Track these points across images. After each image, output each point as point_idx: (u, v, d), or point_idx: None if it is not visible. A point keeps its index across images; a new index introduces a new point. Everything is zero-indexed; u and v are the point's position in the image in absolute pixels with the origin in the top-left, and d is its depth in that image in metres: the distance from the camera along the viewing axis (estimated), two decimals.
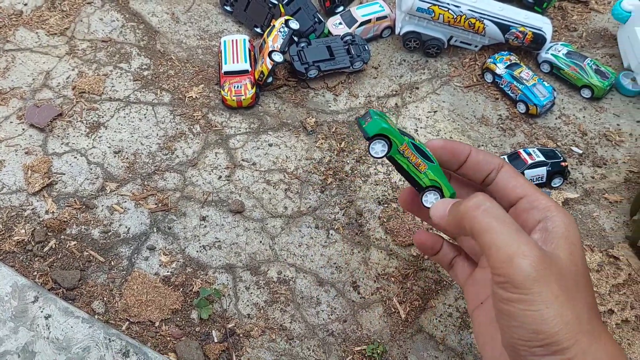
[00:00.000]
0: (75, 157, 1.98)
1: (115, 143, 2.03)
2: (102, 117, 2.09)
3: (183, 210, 1.89)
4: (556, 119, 2.24)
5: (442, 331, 1.77)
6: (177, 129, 2.08)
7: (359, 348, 1.68)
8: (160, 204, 1.88)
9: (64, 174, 1.94)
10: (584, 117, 2.26)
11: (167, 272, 1.76)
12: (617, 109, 2.28)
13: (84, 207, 1.87)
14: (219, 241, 1.85)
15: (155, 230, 1.83)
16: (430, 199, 0.79)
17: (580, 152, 2.14)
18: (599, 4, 2.61)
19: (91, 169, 1.96)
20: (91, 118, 2.09)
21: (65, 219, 1.83)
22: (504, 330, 0.56)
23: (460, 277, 0.83)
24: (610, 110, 2.27)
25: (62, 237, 1.80)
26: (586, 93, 2.28)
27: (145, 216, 1.84)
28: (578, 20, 2.55)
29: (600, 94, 2.24)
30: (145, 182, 1.92)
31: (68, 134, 2.04)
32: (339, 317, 1.76)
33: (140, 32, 2.35)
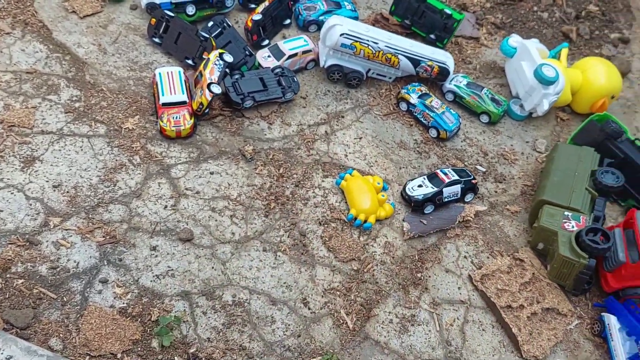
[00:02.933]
0: (12, 193, 1.94)
1: (53, 177, 2.01)
2: (36, 150, 2.06)
3: (132, 242, 1.93)
4: (462, 141, 2.56)
5: (385, 336, 1.97)
6: (116, 160, 2.10)
7: None
8: (108, 237, 1.90)
9: (2, 211, 1.89)
10: (484, 139, 2.60)
11: (123, 303, 1.79)
12: (510, 131, 2.66)
13: (28, 243, 1.84)
14: (172, 269, 1.91)
15: (105, 263, 1.85)
16: None
17: (484, 170, 2.47)
18: (488, 40, 3.01)
19: (31, 205, 1.93)
20: (24, 152, 2.05)
21: (9, 257, 1.79)
22: None
23: None
24: (505, 133, 2.64)
25: (8, 276, 1.76)
26: (484, 118, 2.63)
27: (93, 249, 1.86)
28: (472, 54, 2.93)
29: (496, 119, 2.60)
30: (90, 215, 1.93)
31: (1, 169, 1.98)
32: (293, 332, 1.89)
33: (67, 63, 2.33)
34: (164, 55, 2.41)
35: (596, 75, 2.66)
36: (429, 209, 2.22)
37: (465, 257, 2.21)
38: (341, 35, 2.31)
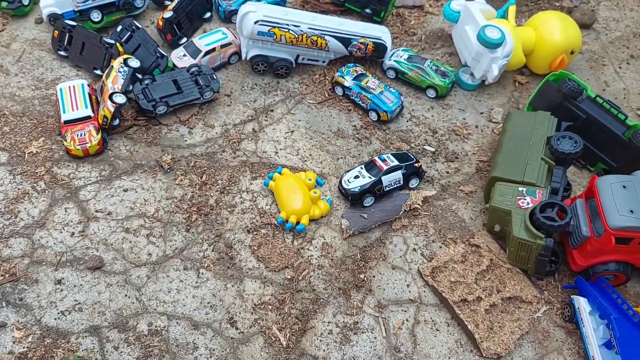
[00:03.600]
0: None
1: None
2: None
3: (34, 277, 1.74)
4: (407, 121, 2.33)
5: (324, 350, 1.76)
6: (18, 189, 1.92)
7: None
8: (7, 275, 1.72)
9: None
10: (432, 116, 2.37)
11: (23, 348, 1.61)
12: (462, 104, 2.42)
13: None
14: (79, 303, 1.72)
15: (4, 305, 1.67)
16: None
17: (433, 150, 2.24)
18: (433, 7, 2.77)
19: None
20: None
21: None
22: None
23: None
24: (456, 106, 2.40)
25: None
26: (431, 93, 2.40)
27: None
28: (416, 24, 2.69)
29: (444, 92, 2.36)
30: None
31: None
32: (218, 357, 1.69)
33: None
34: (72, 68, 2.23)
35: (550, 31, 2.40)
36: (368, 201, 2.01)
37: (414, 249, 1.99)
38: (256, 22, 2.10)
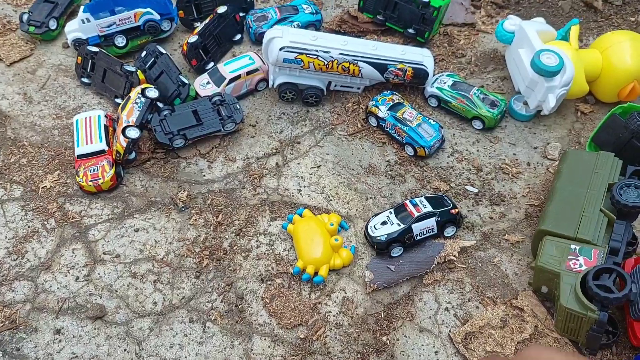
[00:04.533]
0: None
1: None
2: None
3: (34, 325, 1.65)
4: (448, 157, 2.09)
5: None
6: (28, 227, 1.85)
7: None
8: (7, 321, 1.63)
9: None
10: (477, 150, 2.11)
11: None
12: (513, 136, 2.14)
13: None
14: (76, 357, 1.61)
15: (0, 355, 1.59)
16: None
17: (476, 190, 1.99)
18: (487, 24, 2.49)
19: None
20: None
21: None
22: None
23: None
24: (505, 140, 2.13)
25: None
26: (478, 124, 2.14)
27: None
28: (465, 44, 2.43)
29: (492, 123, 2.10)
30: None
31: None
32: None
33: None
34: (95, 96, 2.14)
35: (620, 55, 2.08)
36: (396, 251, 1.79)
37: (446, 309, 1.76)
38: (281, 49, 1.93)
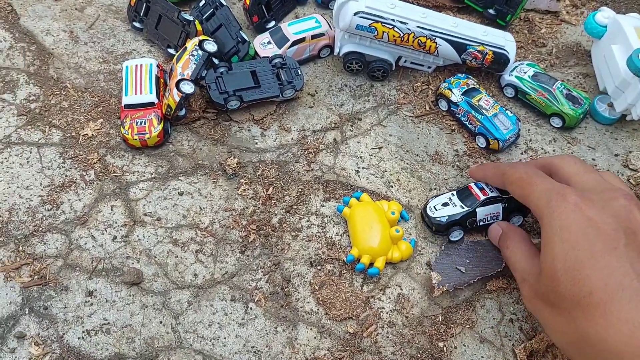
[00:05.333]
0: None
1: None
2: None
3: (65, 284, 1.52)
4: (521, 153, 1.91)
5: None
6: (66, 176, 1.71)
7: None
8: (36, 276, 1.50)
9: None
10: (553, 150, 1.93)
11: None
12: (592, 140, 1.96)
13: None
14: (108, 323, 1.48)
15: (27, 312, 1.46)
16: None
17: None
18: (571, 14, 2.29)
19: None
20: None
21: None
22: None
23: None
24: (585, 142, 1.95)
25: None
26: (556, 122, 1.95)
27: (16, 293, 1.47)
28: (547, 34, 2.23)
29: (573, 123, 1.92)
30: (21, 248, 1.54)
31: None
32: None
33: (32, 55, 1.96)
34: (146, 43, 1.98)
35: None
36: (456, 235, 1.61)
37: (511, 320, 1.60)
38: (356, 14, 1.74)
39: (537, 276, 0.92)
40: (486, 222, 1.59)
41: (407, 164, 1.84)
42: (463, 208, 1.54)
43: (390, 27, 1.81)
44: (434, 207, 1.56)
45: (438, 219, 1.51)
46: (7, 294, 1.45)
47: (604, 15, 1.97)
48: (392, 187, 1.76)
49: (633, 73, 1.72)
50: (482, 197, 1.53)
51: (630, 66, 1.73)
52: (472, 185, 1.56)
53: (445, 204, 1.57)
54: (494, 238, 1.25)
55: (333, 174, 1.78)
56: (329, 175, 1.77)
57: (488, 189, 1.58)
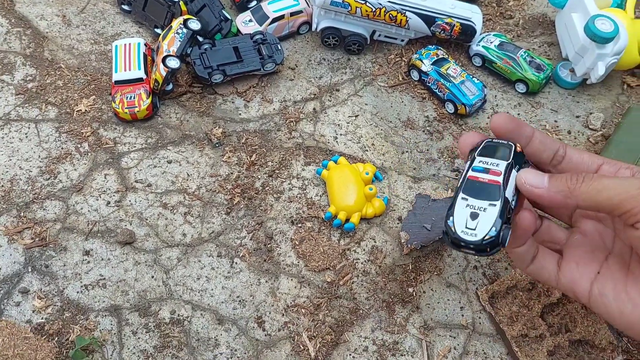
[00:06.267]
0: None
1: None
2: None
3: (64, 245, 1.66)
4: (488, 117, 2.04)
5: None
6: (62, 148, 1.84)
7: None
8: (37, 238, 1.64)
9: None
10: (518, 114, 2.06)
11: (41, 318, 1.53)
12: (555, 103, 2.09)
13: None
14: (104, 279, 1.62)
15: (30, 270, 1.60)
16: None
17: None
18: None
19: None
20: None
21: None
22: None
23: (551, 246, 0.78)
24: (547, 106, 2.08)
25: None
26: (521, 88, 2.08)
27: (19, 254, 1.61)
28: (514, 6, 2.35)
29: (536, 88, 2.05)
30: (22, 213, 1.68)
31: None
32: (240, 359, 1.55)
33: (27, 38, 2.08)
34: (134, 24, 2.10)
35: None
36: (507, 233, 0.83)
37: (475, 267, 1.74)
38: None
39: None
40: (514, 200, 1.04)
41: (381, 130, 1.97)
42: (494, 205, 0.87)
43: (363, 2, 1.93)
44: (466, 227, 0.87)
45: (487, 238, 0.84)
46: (11, 254, 1.59)
47: None
48: (367, 151, 1.89)
49: (590, 38, 1.85)
50: (500, 180, 0.89)
51: (587, 32, 1.85)
52: (471, 173, 0.89)
53: (474, 215, 0.94)
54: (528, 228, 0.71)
55: (313, 140, 1.91)
56: (309, 141, 1.90)
57: (492, 164, 0.97)
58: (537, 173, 0.69)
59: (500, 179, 0.78)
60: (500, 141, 0.81)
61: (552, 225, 0.77)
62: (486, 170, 0.82)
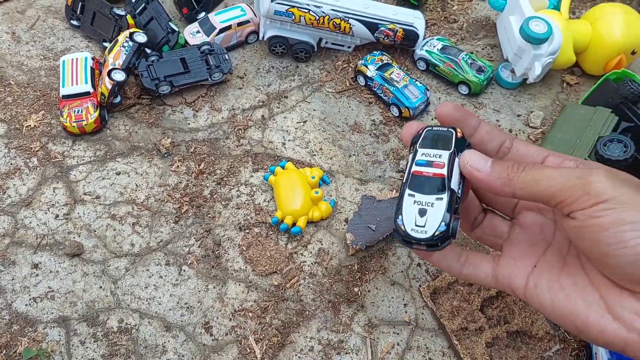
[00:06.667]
0: None
1: None
2: None
3: (12, 259, 1.68)
4: (432, 119, 2.10)
5: None
6: (11, 164, 1.86)
7: None
8: None
9: None
10: None
11: None
12: (497, 103, 2.16)
13: None
14: (52, 291, 1.64)
15: None
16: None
17: None
18: None
19: None
20: None
21: None
22: (605, 258, 0.52)
23: (493, 241, 0.72)
24: (490, 106, 2.14)
25: None
26: (463, 89, 2.14)
27: None
28: (459, 10, 2.42)
29: (478, 89, 2.11)
30: None
31: None
32: None
33: None
34: (84, 39, 2.13)
35: (609, 27, 2.08)
36: (456, 225, 0.74)
37: (418, 264, 1.79)
38: (273, 1, 1.91)
39: None
40: (462, 189, 1.05)
41: (329, 134, 2.02)
42: (441, 198, 0.80)
43: (306, 10, 1.98)
44: (416, 224, 0.79)
45: (437, 232, 0.74)
46: None
47: None
48: (315, 155, 1.93)
49: (525, 40, 1.92)
50: (444, 172, 0.84)
51: (521, 34, 1.92)
52: (415, 168, 0.77)
53: (422, 212, 0.92)
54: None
55: (261, 147, 1.95)
56: (257, 148, 1.95)
57: (436, 156, 0.93)
58: (481, 156, 0.64)
59: (444, 171, 0.74)
60: (441, 128, 0.76)
61: (495, 218, 0.73)
62: (429, 164, 0.77)
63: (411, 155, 0.80)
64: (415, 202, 0.72)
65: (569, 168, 0.57)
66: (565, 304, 0.58)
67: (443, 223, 0.68)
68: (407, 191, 0.74)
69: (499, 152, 0.72)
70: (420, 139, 0.82)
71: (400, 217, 0.72)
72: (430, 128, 0.78)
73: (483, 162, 0.64)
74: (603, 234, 0.51)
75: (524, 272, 0.64)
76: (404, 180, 0.73)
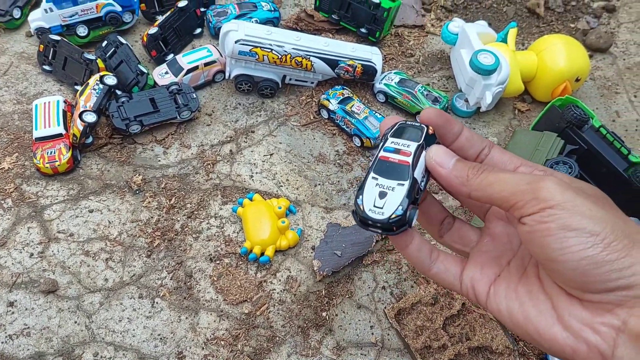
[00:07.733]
0: None
1: None
2: None
3: None
4: None
5: None
6: None
7: None
8: None
9: None
10: None
11: None
12: None
13: None
14: (28, 327, 1.68)
15: None
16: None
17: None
18: (435, 26, 2.64)
19: None
20: None
21: None
22: (554, 265, 0.51)
23: (461, 248, 0.70)
24: None
25: None
26: None
27: None
28: (415, 45, 2.57)
29: None
30: None
31: None
32: None
33: None
34: (56, 83, 2.21)
35: (554, 56, 2.24)
36: (414, 213, 0.67)
37: (383, 287, 1.87)
38: (237, 42, 2.02)
39: None
40: (424, 183, 1.07)
41: (295, 165, 2.11)
42: (403, 184, 0.75)
43: (269, 50, 2.10)
44: (374, 206, 0.73)
45: (394, 215, 0.69)
46: None
47: (455, 25, 2.31)
48: (282, 186, 2.02)
49: (475, 71, 2.05)
50: (410, 160, 0.90)
51: (471, 66, 2.06)
52: (382, 153, 0.72)
53: (382, 194, 0.95)
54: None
55: (230, 180, 2.03)
56: (226, 182, 2.03)
57: (402, 145, 0.92)
58: (447, 153, 0.62)
59: (409, 159, 0.72)
60: (413, 123, 0.77)
61: (464, 226, 0.70)
62: (397, 151, 0.75)
63: (381, 143, 0.85)
64: (377, 184, 0.70)
65: (523, 174, 0.57)
66: (519, 313, 0.57)
67: (401, 207, 0.68)
68: (372, 174, 0.78)
69: (478, 159, 0.70)
70: (393, 130, 0.87)
71: (360, 197, 0.77)
72: (403, 122, 0.82)
73: (448, 158, 0.63)
74: (549, 239, 0.51)
75: (487, 280, 0.63)
76: (370, 165, 0.78)
